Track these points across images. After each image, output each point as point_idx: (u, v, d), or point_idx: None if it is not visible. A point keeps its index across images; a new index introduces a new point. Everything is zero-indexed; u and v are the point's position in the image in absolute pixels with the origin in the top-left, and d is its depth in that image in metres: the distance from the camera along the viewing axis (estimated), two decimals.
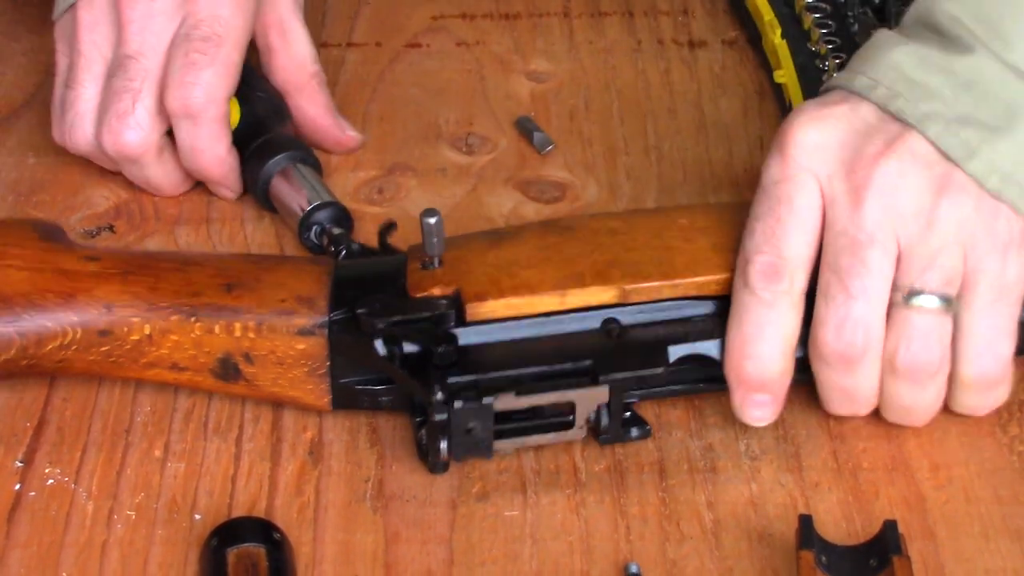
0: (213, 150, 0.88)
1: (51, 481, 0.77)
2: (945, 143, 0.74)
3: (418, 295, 0.76)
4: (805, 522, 0.72)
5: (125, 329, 0.76)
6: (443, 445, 0.75)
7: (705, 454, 0.79)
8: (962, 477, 0.78)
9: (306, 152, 0.90)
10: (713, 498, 0.77)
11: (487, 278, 0.76)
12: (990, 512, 0.76)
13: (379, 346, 0.75)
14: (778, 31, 0.99)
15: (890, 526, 0.71)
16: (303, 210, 0.87)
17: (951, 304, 0.75)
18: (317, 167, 0.90)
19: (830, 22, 1.00)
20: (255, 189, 0.90)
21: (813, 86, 0.95)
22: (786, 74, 0.97)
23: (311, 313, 0.76)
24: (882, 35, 0.79)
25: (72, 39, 0.88)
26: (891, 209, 0.74)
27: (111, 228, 0.90)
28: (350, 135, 0.95)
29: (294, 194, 0.88)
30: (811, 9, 1.00)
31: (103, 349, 0.76)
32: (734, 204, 0.81)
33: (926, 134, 0.75)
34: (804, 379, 0.77)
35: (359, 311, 0.75)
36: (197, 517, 0.75)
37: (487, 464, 0.78)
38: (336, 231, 0.85)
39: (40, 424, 0.79)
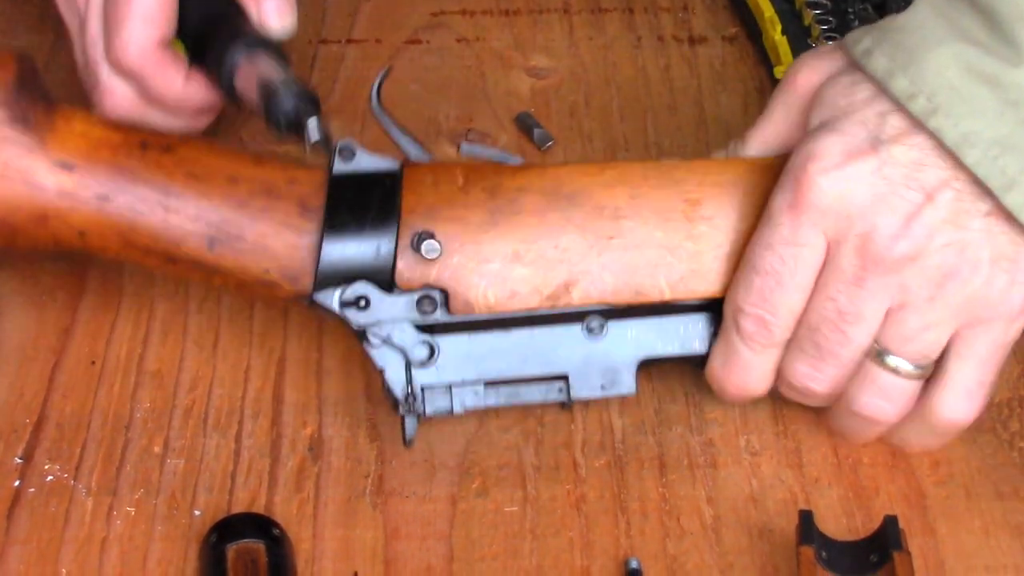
0: (172, 95, 0.85)
1: (50, 477, 0.77)
2: (983, 171, 0.70)
3: (405, 287, 0.75)
4: (805, 518, 0.72)
5: (100, 252, 0.77)
6: (410, 426, 0.76)
7: (705, 449, 0.78)
8: (962, 473, 0.78)
9: (259, 39, 0.83)
10: (713, 493, 0.77)
11: (477, 283, 0.75)
12: (991, 508, 0.76)
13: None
14: (778, 27, 0.99)
15: (890, 522, 0.71)
16: (261, 98, 0.81)
17: (926, 369, 0.74)
18: (279, 53, 0.84)
19: (830, 18, 0.99)
20: (224, 92, 0.85)
21: None
22: None
23: (294, 289, 0.75)
24: (925, 5, 0.73)
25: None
26: (892, 288, 0.72)
27: None
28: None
29: (255, 82, 0.82)
30: (811, 5, 1.00)
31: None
32: (752, 175, 0.78)
33: (963, 160, 0.70)
34: None
35: (343, 310, 0.74)
36: (197, 513, 0.75)
37: (487, 460, 0.78)
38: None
39: (39, 420, 0.79)
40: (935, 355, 0.74)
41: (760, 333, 0.74)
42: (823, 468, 0.78)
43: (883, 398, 0.75)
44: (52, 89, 0.97)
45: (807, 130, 0.74)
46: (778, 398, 0.81)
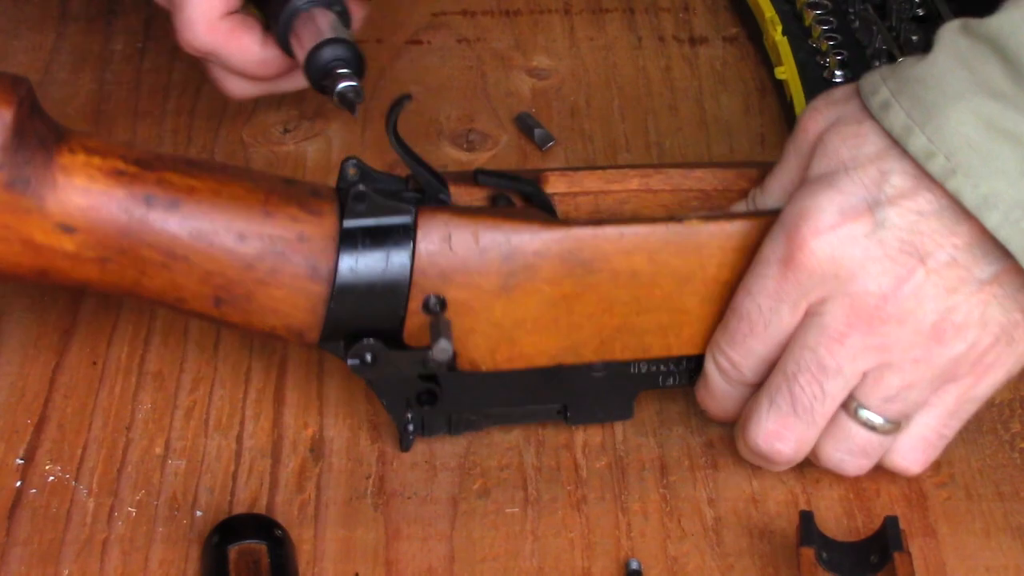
0: (251, 63, 0.86)
1: (52, 478, 0.77)
2: (1004, 233, 0.68)
3: (414, 345, 0.73)
4: (806, 518, 0.72)
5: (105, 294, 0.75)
6: (406, 443, 0.77)
7: (706, 451, 0.78)
8: (963, 474, 0.78)
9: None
10: (714, 495, 0.77)
11: (486, 346, 0.74)
12: (991, 509, 0.76)
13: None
14: (779, 28, 0.99)
15: (891, 522, 0.71)
16: (309, 49, 0.81)
17: (899, 425, 0.73)
18: (344, 16, 0.85)
19: (831, 19, 0.99)
20: (279, 40, 0.86)
21: (814, 83, 0.95)
22: (787, 71, 0.97)
23: (301, 341, 0.74)
24: (946, 55, 0.70)
25: None
26: (875, 348, 0.71)
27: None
28: None
29: (307, 37, 0.83)
30: (812, 6, 1.00)
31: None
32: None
33: (984, 223, 0.68)
34: None
35: (348, 361, 0.73)
36: (198, 514, 0.75)
37: (488, 461, 0.78)
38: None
39: (41, 421, 0.79)
40: (914, 414, 0.73)
41: (732, 371, 0.74)
42: (824, 469, 0.78)
43: (852, 452, 0.73)
44: (50, 90, 0.98)
45: (806, 178, 0.72)
46: None
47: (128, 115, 0.96)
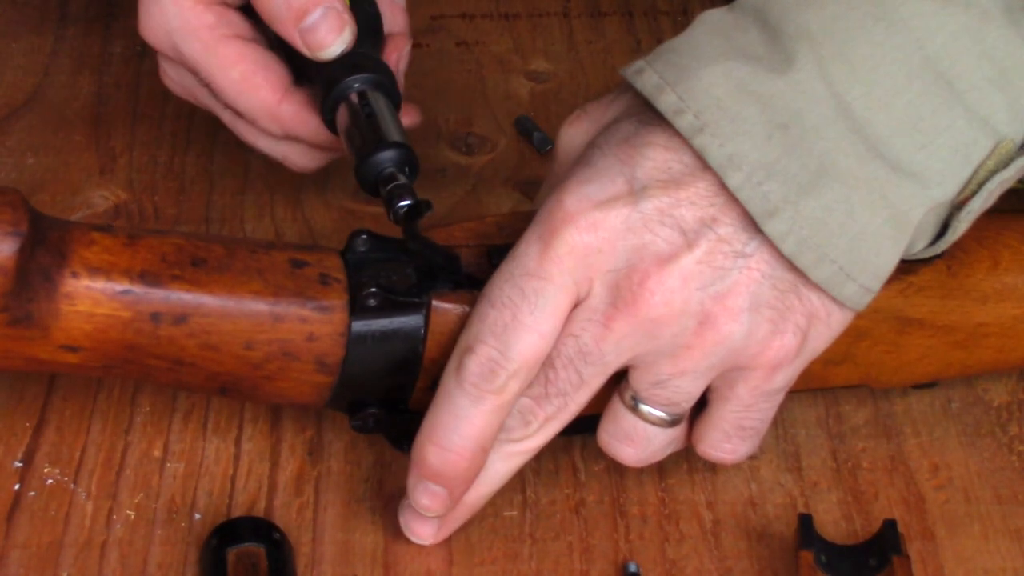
0: (324, 142, 0.82)
1: (50, 481, 0.77)
2: (745, 195, 0.66)
3: (417, 408, 0.73)
4: (805, 521, 0.72)
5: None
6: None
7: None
8: (962, 477, 0.78)
9: (383, 77, 0.79)
10: (712, 498, 0.77)
11: None
12: (990, 512, 0.76)
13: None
14: None
15: (890, 525, 0.71)
16: (359, 152, 0.76)
17: (670, 419, 0.71)
18: (392, 95, 0.79)
19: None
20: (325, 121, 0.80)
21: None
22: None
23: (305, 410, 0.74)
24: (705, 27, 0.69)
25: None
26: (642, 333, 0.68)
27: (110, 228, 0.90)
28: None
29: (347, 132, 0.78)
30: None
31: None
32: None
33: (726, 182, 0.66)
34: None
35: (352, 423, 0.73)
36: (197, 517, 0.75)
37: None
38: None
39: (40, 424, 0.79)
40: (687, 404, 0.71)
41: (483, 374, 0.68)
42: (822, 472, 0.78)
43: (618, 438, 0.72)
44: (49, 93, 0.98)
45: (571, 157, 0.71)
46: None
47: (127, 118, 0.96)
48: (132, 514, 0.75)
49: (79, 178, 0.93)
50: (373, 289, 0.70)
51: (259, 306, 0.69)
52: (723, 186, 0.67)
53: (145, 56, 1.01)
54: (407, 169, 0.75)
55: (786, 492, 0.77)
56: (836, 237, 0.66)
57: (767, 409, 0.72)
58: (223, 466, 0.77)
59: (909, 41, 0.67)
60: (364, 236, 0.72)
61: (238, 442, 0.79)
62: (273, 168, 0.93)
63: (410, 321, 0.71)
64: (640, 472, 0.78)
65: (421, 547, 0.74)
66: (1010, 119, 0.68)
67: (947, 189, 0.68)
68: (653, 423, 0.71)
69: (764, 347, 0.69)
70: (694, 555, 0.74)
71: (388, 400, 0.73)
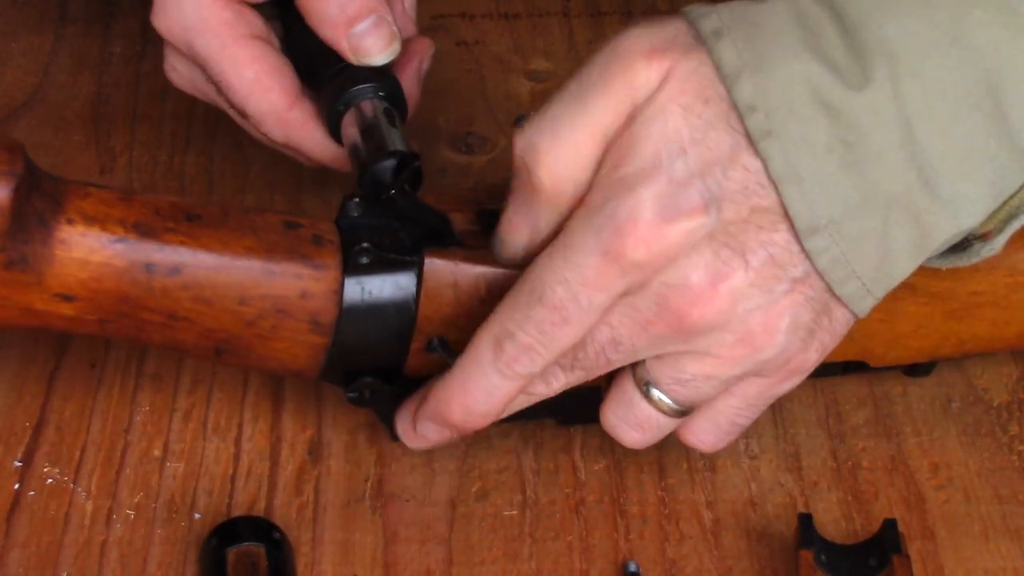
0: (324, 157, 0.82)
1: (50, 480, 0.77)
2: (795, 208, 0.65)
3: (412, 375, 0.73)
4: (805, 521, 0.72)
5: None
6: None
7: (704, 453, 0.78)
8: (962, 477, 0.78)
9: (388, 87, 0.79)
10: (712, 497, 0.77)
11: None
12: (990, 512, 0.76)
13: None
14: None
15: (890, 525, 0.71)
16: (364, 160, 0.75)
17: (683, 412, 0.71)
18: (399, 104, 0.79)
19: None
20: (331, 131, 0.80)
21: None
22: None
23: (299, 378, 0.74)
24: (784, 11, 0.66)
25: None
26: (678, 338, 0.68)
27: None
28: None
29: (352, 141, 0.78)
30: None
31: None
32: None
33: (781, 193, 0.65)
34: None
35: (348, 395, 0.73)
36: (196, 516, 0.75)
37: (487, 463, 0.78)
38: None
39: (39, 423, 0.79)
40: (701, 401, 0.71)
41: (521, 361, 0.68)
42: (822, 472, 0.78)
43: (628, 422, 0.71)
44: (49, 93, 0.98)
45: (618, 173, 0.66)
46: (777, 401, 0.81)
47: (127, 118, 0.96)
48: (132, 514, 0.75)
49: (79, 178, 0.92)
50: (365, 245, 0.71)
51: (252, 261, 0.70)
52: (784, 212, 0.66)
53: (145, 56, 1.01)
54: (411, 177, 0.75)
55: (786, 492, 0.77)
56: (867, 256, 0.67)
57: (762, 409, 0.72)
58: (223, 465, 0.78)
59: (979, 69, 0.66)
60: (356, 200, 0.72)
61: (238, 441, 0.79)
62: (273, 168, 0.93)
63: (403, 278, 0.71)
64: (640, 471, 0.78)
65: (421, 547, 0.74)
66: None
67: (976, 219, 0.67)
68: (664, 412, 0.71)
69: (788, 361, 0.69)
70: (694, 555, 0.74)
71: (383, 368, 0.73)
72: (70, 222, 0.68)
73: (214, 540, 0.72)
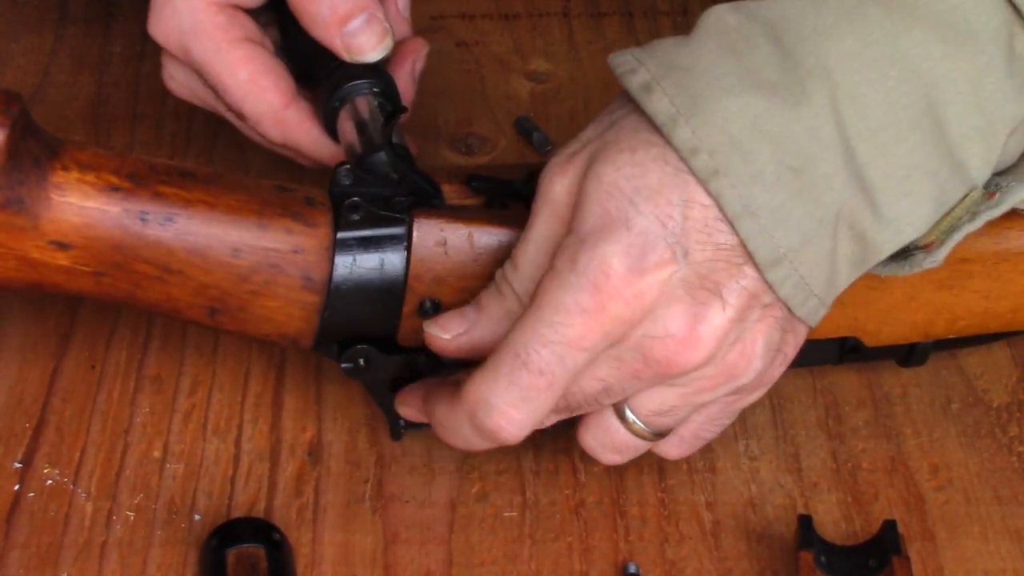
0: (321, 156, 0.83)
1: (50, 482, 0.77)
2: (754, 244, 0.65)
3: (407, 347, 0.74)
4: (804, 522, 0.72)
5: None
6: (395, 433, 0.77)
7: (704, 455, 0.78)
8: (961, 478, 0.78)
9: (382, 84, 0.80)
10: (712, 499, 0.77)
11: None
12: (990, 513, 0.76)
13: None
14: None
15: (889, 526, 0.71)
16: (358, 156, 0.76)
17: (662, 435, 0.72)
18: (394, 100, 0.80)
19: None
20: (327, 128, 0.81)
21: None
22: None
23: (294, 346, 0.74)
24: (713, 40, 0.67)
25: None
26: (664, 379, 0.68)
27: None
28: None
29: (348, 137, 0.78)
30: None
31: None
32: None
33: (738, 229, 0.65)
34: None
35: (342, 365, 0.74)
36: (196, 518, 0.75)
37: (486, 465, 0.78)
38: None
39: (39, 425, 0.79)
40: (678, 424, 0.71)
41: (494, 437, 0.68)
42: (822, 473, 0.78)
43: (607, 447, 0.72)
44: (49, 93, 0.98)
45: (580, 230, 0.67)
46: (777, 402, 0.81)
47: (127, 118, 0.96)
48: (132, 515, 0.75)
49: None
50: (356, 200, 0.71)
51: (245, 213, 0.71)
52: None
53: (145, 57, 1.01)
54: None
55: (786, 493, 0.77)
56: (821, 274, 0.67)
57: (727, 422, 0.73)
58: (223, 467, 0.78)
59: (918, 87, 0.66)
60: (347, 167, 0.72)
61: (238, 443, 0.79)
62: (274, 168, 0.93)
63: (393, 232, 0.72)
64: (640, 473, 0.78)
65: (421, 548, 0.74)
66: (981, 166, 0.68)
67: (918, 232, 0.68)
68: (643, 437, 0.71)
69: (760, 379, 0.70)
70: (694, 556, 0.74)
71: (377, 336, 0.73)
72: (65, 168, 0.69)
73: (214, 541, 0.72)
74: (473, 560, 0.74)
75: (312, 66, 0.81)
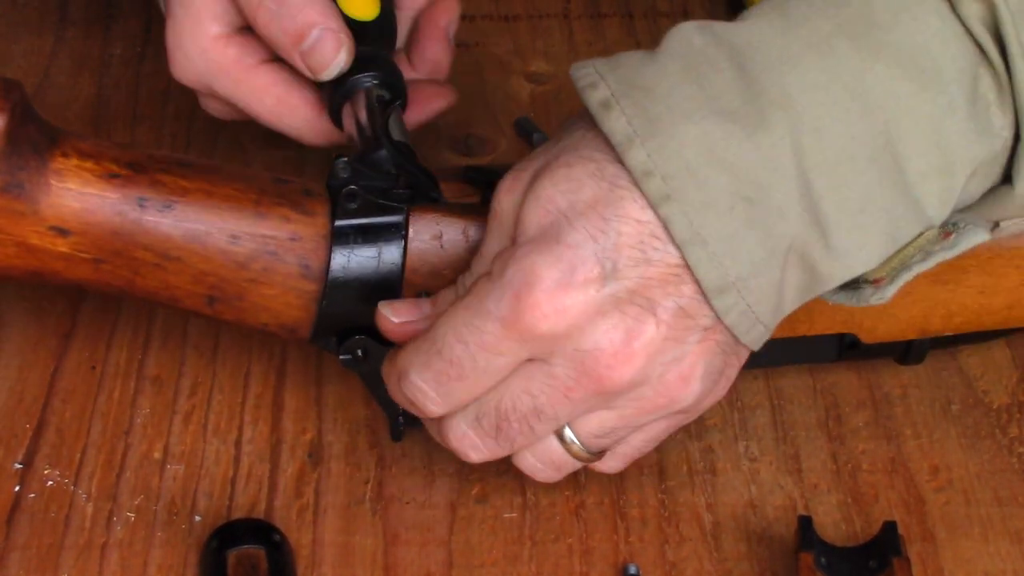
0: (303, 134, 0.84)
1: (51, 483, 0.77)
2: (703, 271, 0.65)
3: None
4: (804, 523, 0.72)
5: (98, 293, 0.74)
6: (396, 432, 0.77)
7: (704, 456, 0.79)
8: (962, 479, 0.78)
9: (383, 75, 0.80)
10: (712, 500, 0.77)
11: None
12: (990, 514, 0.76)
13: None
14: None
15: (889, 527, 0.72)
16: (358, 150, 0.77)
17: (601, 454, 0.71)
18: (395, 90, 0.80)
19: None
20: (331, 114, 0.82)
21: None
22: None
23: (291, 337, 0.74)
24: (676, 62, 0.66)
25: None
26: (599, 400, 0.68)
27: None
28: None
29: (351, 129, 0.79)
30: None
31: None
32: None
33: (687, 256, 0.65)
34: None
35: (340, 357, 0.74)
36: (197, 519, 0.75)
37: (486, 466, 0.78)
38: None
39: (40, 425, 0.79)
40: (618, 445, 0.71)
41: (413, 406, 0.69)
42: (822, 474, 0.78)
43: (547, 465, 0.71)
44: (49, 94, 0.98)
45: (521, 237, 0.67)
46: (777, 403, 0.81)
47: (127, 119, 0.96)
48: (132, 516, 0.75)
49: None
50: (353, 188, 0.72)
51: (243, 201, 0.72)
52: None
53: (145, 58, 1.01)
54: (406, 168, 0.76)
55: (786, 494, 0.77)
56: (769, 304, 0.67)
57: (662, 439, 0.72)
58: (223, 468, 0.78)
59: (878, 123, 0.66)
60: (345, 161, 0.73)
61: (238, 444, 0.79)
62: (274, 169, 0.93)
63: (391, 220, 0.72)
64: (640, 474, 0.78)
65: (421, 549, 0.74)
66: (939, 205, 0.68)
67: (868, 267, 0.68)
68: (582, 459, 0.71)
69: (700, 401, 0.69)
70: (694, 557, 0.74)
71: (374, 327, 0.73)
72: (65, 155, 0.70)
73: (214, 542, 0.72)
74: (473, 561, 0.74)
75: None
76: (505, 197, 0.69)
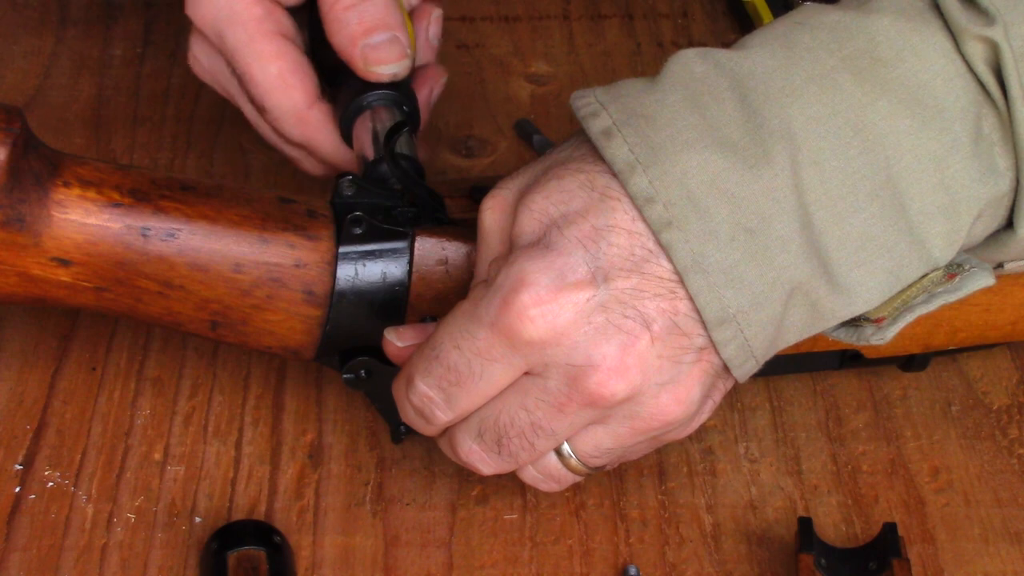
0: (337, 159, 0.83)
1: (51, 484, 0.77)
2: (703, 300, 0.65)
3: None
4: (804, 525, 0.72)
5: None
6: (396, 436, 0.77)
7: (704, 457, 0.79)
8: (962, 480, 0.78)
9: (402, 97, 0.80)
10: (712, 501, 0.77)
11: None
12: (990, 515, 0.76)
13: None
14: None
15: (889, 529, 0.72)
16: (366, 165, 0.77)
17: (600, 468, 0.71)
18: (413, 114, 0.81)
19: None
20: (343, 134, 0.82)
21: None
22: None
23: (295, 358, 0.74)
24: (678, 91, 0.67)
25: None
26: (595, 416, 0.67)
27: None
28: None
29: (361, 145, 0.79)
30: None
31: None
32: None
33: (687, 284, 0.65)
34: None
35: (344, 376, 0.74)
36: (197, 520, 0.75)
37: None
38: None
39: (40, 427, 0.79)
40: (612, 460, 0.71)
41: (422, 414, 0.69)
42: (822, 475, 0.78)
43: (548, 478, 0.71)
44: (49, 95, 0.98)
45: (514, 244, 0.67)
46: (777, 405, 0.81)
47: (127, 121, 0.96)
48: (132, 517, 0.75)
49: None
50: (359, 214, 0.71)
51: (247, 229, 0.71)
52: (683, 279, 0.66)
53: (145, 59, 1.01)
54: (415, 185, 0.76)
55: (786, 495, 0.77)
56: (765, 338, 0.67)
57: (647, 452, 0.72)
58: (223, 469, 0.78)
59: (880, 159, 0.66)
60: (350, 178, 0.73)
61: (238, 445, 0.79)
62: (274, 170, 0.93)
63: (396, 246, 0.72)
64: (640, 475, 0.78)
65: (421, 550, 0.74)
66: (944, 246, 0.67)
67: (870, 305, 0.67)
68: (580, 473, 0.71)
69: (690, 424, 0.69)
70: (694, 558, 0.74)
71: (378, 347, 0.72)
72: (66, 184, 0.69)
73: (215, 544, 0.72)
74: (474, 563, 0.74)
75: (337, 72, 0.81)
76: (488, 215, 0.69)
